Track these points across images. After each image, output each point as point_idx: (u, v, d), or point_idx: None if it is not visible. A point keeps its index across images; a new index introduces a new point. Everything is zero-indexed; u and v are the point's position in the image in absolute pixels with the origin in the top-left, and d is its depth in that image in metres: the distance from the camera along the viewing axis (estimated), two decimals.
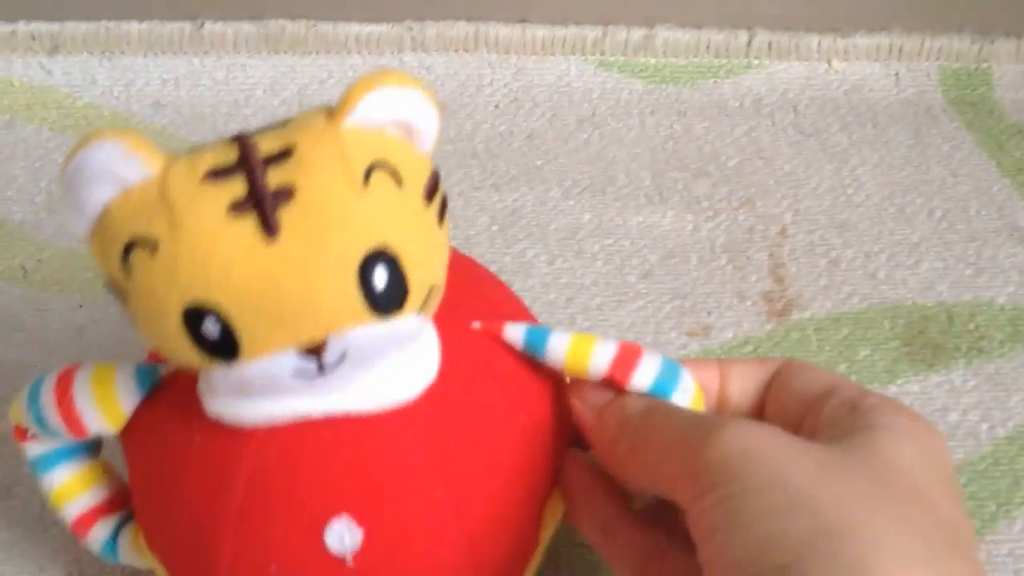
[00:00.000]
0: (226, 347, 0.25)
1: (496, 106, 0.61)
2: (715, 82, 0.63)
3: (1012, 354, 0.48)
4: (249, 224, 0.24)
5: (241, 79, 0.61)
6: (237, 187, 0.25)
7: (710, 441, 0.28)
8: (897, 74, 0.64)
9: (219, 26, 0.62)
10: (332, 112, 0.26)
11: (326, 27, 0.62)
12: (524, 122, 0.61)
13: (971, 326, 0.49)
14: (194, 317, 0.25)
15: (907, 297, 0.51)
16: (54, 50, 0.62)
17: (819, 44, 0.63)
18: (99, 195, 0.25)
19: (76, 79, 0.61)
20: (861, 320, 0.49)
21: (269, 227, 0.24)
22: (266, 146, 0.25)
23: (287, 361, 0.26)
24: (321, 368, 0.26)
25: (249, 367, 0.26)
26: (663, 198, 0.56)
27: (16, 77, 0.61)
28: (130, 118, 0.60)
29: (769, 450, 0.27)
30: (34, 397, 0.32)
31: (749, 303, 0.50)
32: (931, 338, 0.49)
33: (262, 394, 0.28)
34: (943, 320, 0.50)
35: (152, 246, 0.24)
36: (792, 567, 0.25)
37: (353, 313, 0.25)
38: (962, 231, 0.54)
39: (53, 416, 0.31)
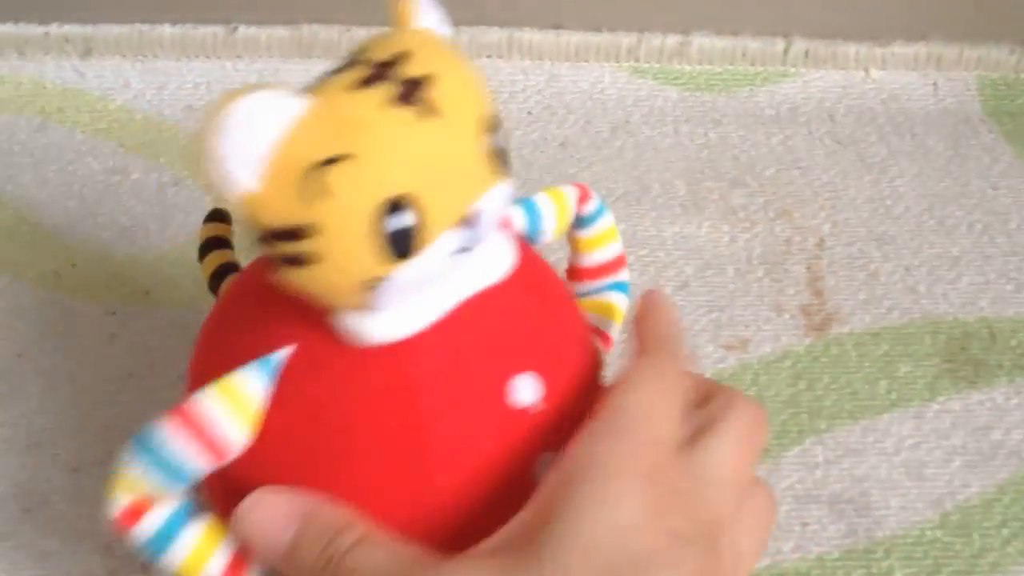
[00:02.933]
0: (409, 242, 0.27)
1: (529, 113, 0.61)
2: (751, 90, 0.62)
3: None
4: (412, 113, 0.26)
5: (274, 83, 0.61)
6: (389, 88, 0.26)
7: None
8: (935, 83, 0.63)
9: (252, 30, 0.61)
10: (401, 23, 0.29)
11: (360, 32, 0.61)
12: (557, 129, 0.60)
13: (1013, 343, 0.49)
14: (391, 209, 0.26)
15: (948, 312, 0.50)
16: (87, 53, 0.62)
17: (856, 52, 0.63)
18: (265, 138, 0.26)
19: (109, 82, 0.61)
20: (901, 335, 0.49)
21: (433, 110, 0.27)
22: (382, 55, 0.27)
23: (450, 239, 0.28)
24: (476, 236, 0.28)
25: (421, 260, 0.27)
26: (699, 208, 0.55)
27: (49, 79, 0.61)
28: (162, 122, 0.59)
29: None
30: (146, 446, 0.29)
31: (787, 316, 0.50)
32: (973, 355, 0.48)
33: (420, 291, 0.29)
34: (985, 336, 0.49)
35: (343, 158, 0.26)
36: None
37: (489, 178, 0.28)
38: (1003, 245, 0.53)
39: (182, 447, 0.28)
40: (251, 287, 0.33)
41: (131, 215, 0.54)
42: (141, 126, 0.59)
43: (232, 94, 0.26)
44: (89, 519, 0.41)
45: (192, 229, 0.53)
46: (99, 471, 0.42)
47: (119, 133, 0.59)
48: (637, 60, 0.63)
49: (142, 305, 0.49)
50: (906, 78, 0.63)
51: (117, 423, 0.44)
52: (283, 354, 0.30)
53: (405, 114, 0.27)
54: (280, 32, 0.61)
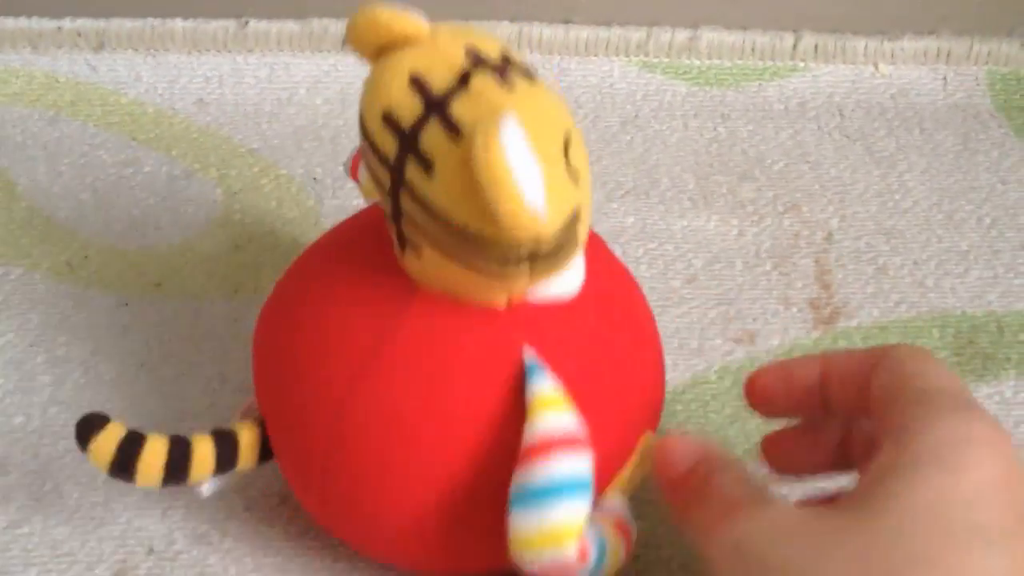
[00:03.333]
0: None
1: None
2: (760, 84, 0.63)
3: None
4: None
5: (284, 77, 0.61)
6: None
7: (724, 523, 0.29)
8: (945, 78, 0.63)
9: (263, 24, 0.62)
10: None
11: None
12: None
13: (1022, 336, 0.49)
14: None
15: (956, 306, 0.50)
16: (99, 47, 0.62)
17: (866, 47, 0.63)
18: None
19: (121, 76, 0.62)
20: (910, 329, 0.49)
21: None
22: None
23: None
24: None
25: None
26: (707, 202, 0.55)
27: (61, 73, 0.62)
28: (174, 115, 0.60)
29: (771, 534, 0.28)
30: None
31: (795, 310, 0.50)
32: (981, 348, 0.48)
33: None
34: (993, 330, 0.49)
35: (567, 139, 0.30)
36: None
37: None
38: (1012, 239, 0.53)
39: None
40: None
41: (143, 207, 0.54)
42: (153, 119, 0.59)
43: (491, 120, 0.27)
44: (102, 507, 0.41)
45: (203, 221, 0.53)
46: None
47: (131, 126, 0.59)
48: (646, 55, 0.63)
49: (153, 296, 0.50)
50: (915, 73, 0.63)
51: (129, 412, 0.44)
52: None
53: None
54: (291, 26, 0.62)
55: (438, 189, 0.29)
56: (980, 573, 0.25)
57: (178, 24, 0.62)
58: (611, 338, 0.35)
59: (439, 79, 0.29)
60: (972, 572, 0.25)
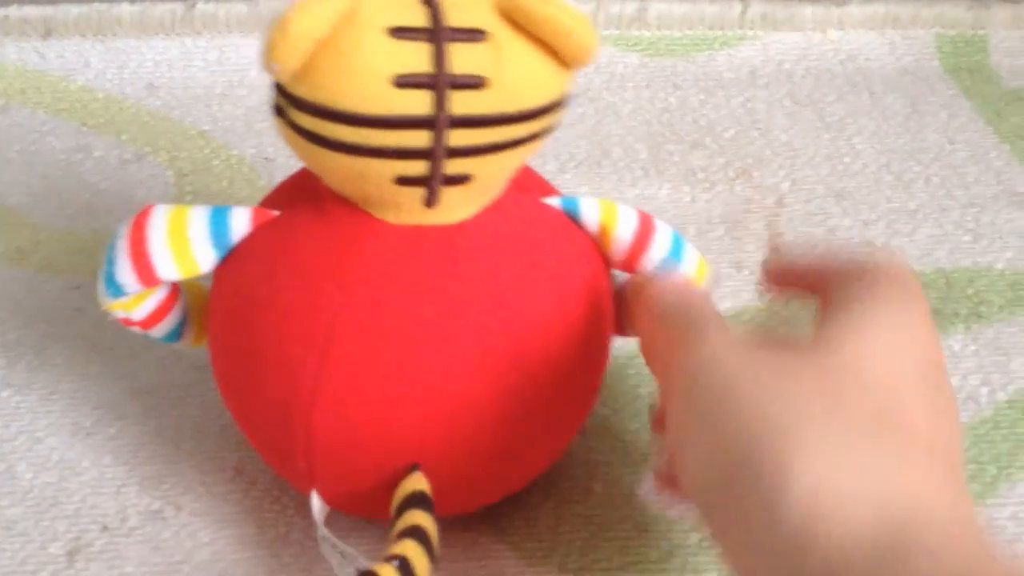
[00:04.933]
0: None
1: None
2: (710, 54, 0.63)
3: (1012, 319, 0.48)
4: None
5: (234, 59, 0.61)
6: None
7: (684, 348, 0.30)
8: (893, 43, 0.64)
9: (211, 6, 0.61)
10: None
11: None
12: None
13: (970, 291, 0.49)
14: None
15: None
16: (47, 34, 0.62)
17: (813, 14, 0.63)
18: None
19: (70, 62, 0.61)
20: None
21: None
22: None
23: None
24: None
25: None
26: (659, 171, 0.56)
27: (10, 62, 0.61)
28: (124, 100, 0.59)
29: (731, 359, 0.29)
30: (109, 254, 0.34)
31: (747, 273, 0.50)
32: (930, 304, 0.48)
33: None
34: (942, 286, 0.49)
35: None
36: (730, 482, 0.26)
37: None
38: (960, 197, 0.54)
39: (124, 265, 0.34)
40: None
41: (94, 192, 0.54)
42: (103, 105, 0.59)
43: None
44: (55, 487, 0.41)
45: (155, 203, 0.53)
46: (66, 441, 0.42)
47: (81, 113, 0.59)
48: (597, 27, 0.63)
49: None
50: (864, 38, 0.64)
51: (83, 394, 0.44)
52: (244, 212, 0.35)
53: None
54: (239, 8, 0.61)
55: (498, 94, 0.30)
56: (921, 406, 0.28)
57: (125, 9, 0.61)
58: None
59: (409, 16, 0.29)
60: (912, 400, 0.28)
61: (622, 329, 0.39)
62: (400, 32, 0.29)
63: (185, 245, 0.34)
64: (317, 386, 0.32)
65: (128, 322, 0.37)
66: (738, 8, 0.63)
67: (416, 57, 0.29)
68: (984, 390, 0.45)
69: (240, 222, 0.35)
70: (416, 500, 0.33)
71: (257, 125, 0.57)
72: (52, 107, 0.59)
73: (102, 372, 0.45)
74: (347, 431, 0.33)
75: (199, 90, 0.60)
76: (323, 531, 0.35)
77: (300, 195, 0.35)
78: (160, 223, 0.34)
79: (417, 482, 0.33)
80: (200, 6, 0.61)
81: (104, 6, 0.61)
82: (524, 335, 0.33)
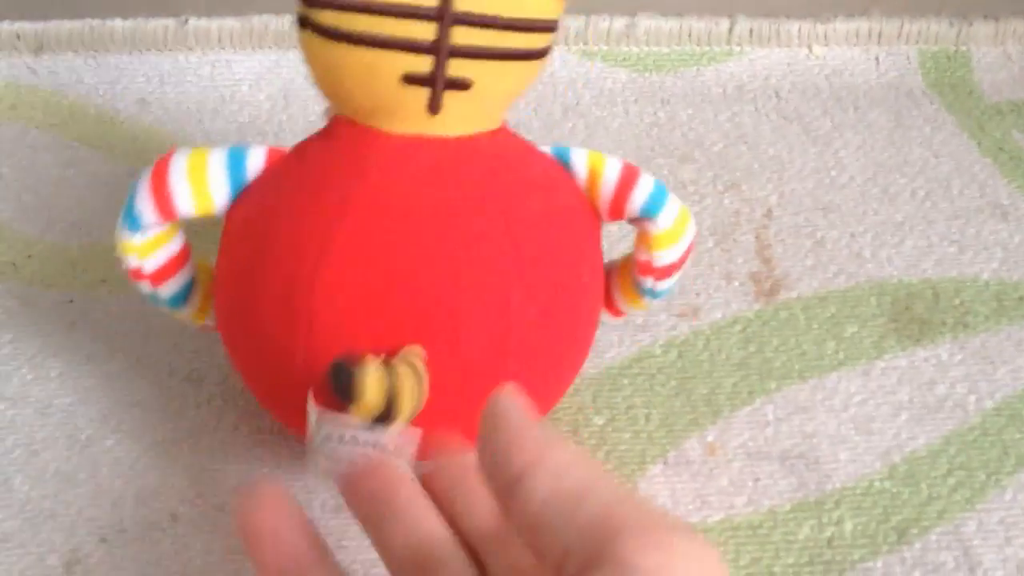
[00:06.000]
0: None
1: None
2: (697, 69, 0.64)
3: (997, 328, 0.49)
4: None
5: (226, 75, 0.62)
6: None
7: None
8: (877, 58, 0.65)
9: (203, 22, 0.62)
10: None
11: None
12: (510, 113, 0.60)
13: (956, 302, 0.50)
14: None
15: (892, 275, 0.51)
16: (39, 49, 0.62)
17: (799, 30, 0.64)
18: None
19: (62, 78, 0.61)
20: (848, 298, 0.50)
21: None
22: None
23: None
24: None
25: None
26: None
27: (1, 77, 0.61)
28: (116, 116, 0.60)
29: None
30: (131, 191, 0.36)
31: (737, 284, 0.51)
32: (917, 314, 0.49)
33: None
34: (929, 297, 0.50)
35: None
36: None
37: None
38: (945, 210, 0.55)
39: (144, 196, 0.35)
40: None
41: (85, 207, 0.54)
42: (95, 120, 0.59)
43: None
44: (52, 499, 0.41)
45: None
46: (62, 454, 0.42)
47: (73, 128, 0.59)
48: (586, 43, 0.64)
49: (99, 292, 0.50)
50: (848, 53, 0.65)
51: (78, 407, 0.44)
52: (260, 150, 0.36)
53: None
54: (231, 23, 0.62)
55: None
56: None
57: (118, 24, 0.62)
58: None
59: None
60: None
61: (610, 304, 0.42)
62: None
63: (203, 180, 0.36)
64: (314, 290, 0.34)
65: (139, 275, 0.38)
66: (725, 24, 0.64)
67: None
68: (972, 398, 0.46)
69: (256, 160, 0.36)
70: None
71: (250, 139, 0.58)
72: (44, 122, 0.59)
73: (97, 385, 0.46)
74: (346, 323, 0.34)
75: (191, 105, 0.60)
76: (318, 419, 0.34)
77: (309, 139, 0.37)
78: (181, 159, 0.36)
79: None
80: (192, 22, 0.62)
81: (97, 22, 0.62)
82: (524, 246, 0.35)
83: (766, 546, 0.40)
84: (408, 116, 0.34)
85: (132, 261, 0.37)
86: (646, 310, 0.43)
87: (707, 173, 0.57)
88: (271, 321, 0.35)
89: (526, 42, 0.34)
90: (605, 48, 0.64)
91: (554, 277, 0.36)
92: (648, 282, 0.40)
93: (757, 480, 0.42)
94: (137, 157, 0.57)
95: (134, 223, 0.36)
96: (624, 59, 0.64)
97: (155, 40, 0.62)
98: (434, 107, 0.34)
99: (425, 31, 0.32)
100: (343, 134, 0.36)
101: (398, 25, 0.32)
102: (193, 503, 0.41)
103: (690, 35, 0.64)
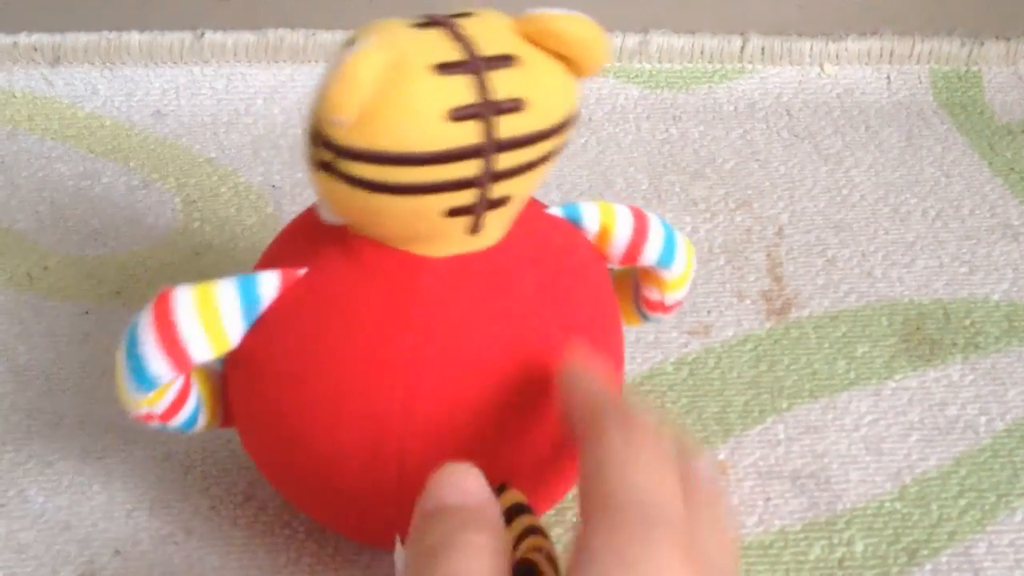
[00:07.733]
0: None
1: None
2: (710, 87, 0.64)
3: (1008, 349, 0.49)
4: None
5: (241, 88, 0.62)
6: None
7: None
8: (888, 77, 0.65)
9: (219, 36, 0.62)
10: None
11: (324, 36, 0.62)
12: None
13: (967, 322, 0.50)
14: None
15: (904, 295, 0.51)
16: (56, 61, 0.62)
17: (811, 48, 0.64)
18: None
19: (78, 89, 0.62)
20: (859, 317, 0.50)
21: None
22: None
23: None
24: None
25: None
26: (661, 200, 0.57)
27: (18, 88, 0.62)
28: (131, 127, 0.60)
29: None
30: (132, 350, 0.32)
31: (748, 302, 0.51)
32: (928, 334, 0.49)
33: None
34: (939, 317, 0.50)
35: None
36: None
37: None
38: (956, 230, 0.55)
39: (155, 355, 0.32)
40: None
41: (101, 218, 0.55)
42: (110, 132, 0.60)
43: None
44: (67, 511, 0.41)
45: (163, 229, 0.53)
46: (76, 465, 0.42)
47: (88, 139, 0.59)
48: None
49: (114, 304, 0.50)
50: (860, 72, 0.65)
51: (93, 418, 0.44)
52: (273, 277, 0.34)
53: None
54: (247, 37, 0.62)
55: (535, 114, 0.31)
56: None
57: (134, 37, 0.62)
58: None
59: (446, 52, 0.30)
60: None
61: None
62: (444, 68, 0.30)
63: (216, 321, 0.33)
64: (406, 428, 0.33)
65: (149, 418, 0.35)
66: (737, 42, 0.64)
67: (463, 90, 0.30)
68: (982, 419, 0.46)
69: (269, 288, 0.34)
70: (520, 509, 0.33)
71: (264, 153, 0.58)
72: (60, 133, 0.60)
73: (111, 396, 0.45)
74: (438, 460, 0.32)
75: (206, 118, 0.60)
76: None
77: (311, 246, 0.35)
78: (187, 303, 0.32)
79: (513, 497, 0.33)
80: (208, 35, 0.62)
81: (113, 34, 0.62)
82: (580, 335, 0.35)
83: (776, 567, 0.40)
84: (449, 241, 0.33)
85: (142, 411, 0.35)
86: (640, 324, 0.44)
87: (719, 191, 0.57)
88: (348, 483, 0.34)
89: (554, 143, 0.32)
90: (618, 65, 0.64)
91: (601, 353, 0.36)
92: (657, 315, 0.42)
93: (768, 500, 0.42)
94: (153, 169, 0.57)
95: (149, 385, 0.33)
96: (636, 76, 0.64)
97: (171, 53, 0.62)
98: (476, 229, 0.32)
99: (469, 168, 0.30)
100: (373, 258, 0.33)
101: (445, 169, 0.30)
102: (207, 516, 0.41)
103: (702, 53, 0.64)
